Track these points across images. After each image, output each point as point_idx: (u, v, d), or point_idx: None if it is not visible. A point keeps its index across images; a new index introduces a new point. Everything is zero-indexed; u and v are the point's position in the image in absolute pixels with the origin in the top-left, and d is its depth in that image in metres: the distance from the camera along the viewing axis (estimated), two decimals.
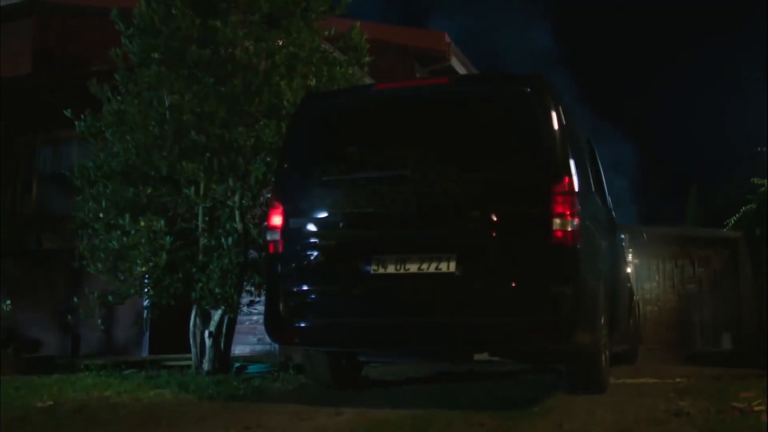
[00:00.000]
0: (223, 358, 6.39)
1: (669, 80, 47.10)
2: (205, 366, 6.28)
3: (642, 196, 35.51)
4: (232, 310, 6.23)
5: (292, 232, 4.90)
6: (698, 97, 47.13)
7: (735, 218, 12.61)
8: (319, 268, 4.83)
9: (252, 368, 6.52)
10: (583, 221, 4.45)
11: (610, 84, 47.14)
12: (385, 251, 4.64)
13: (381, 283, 4.63)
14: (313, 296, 4.86)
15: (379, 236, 4.71)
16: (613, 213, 6.91)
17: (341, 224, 4.88)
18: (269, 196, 6.10)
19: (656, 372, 6.33)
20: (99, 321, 6.38)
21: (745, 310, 15.61)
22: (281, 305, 4.84)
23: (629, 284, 7.93)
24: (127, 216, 5.93)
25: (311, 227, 4.90)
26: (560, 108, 4.66)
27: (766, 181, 11.63)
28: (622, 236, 8.30)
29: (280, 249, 4.91)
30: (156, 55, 5.99)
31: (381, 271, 4.61)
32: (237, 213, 6.11)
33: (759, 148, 11.31)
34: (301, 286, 4.86)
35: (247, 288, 6.43)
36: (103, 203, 6.10)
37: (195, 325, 6.38)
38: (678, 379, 5.75)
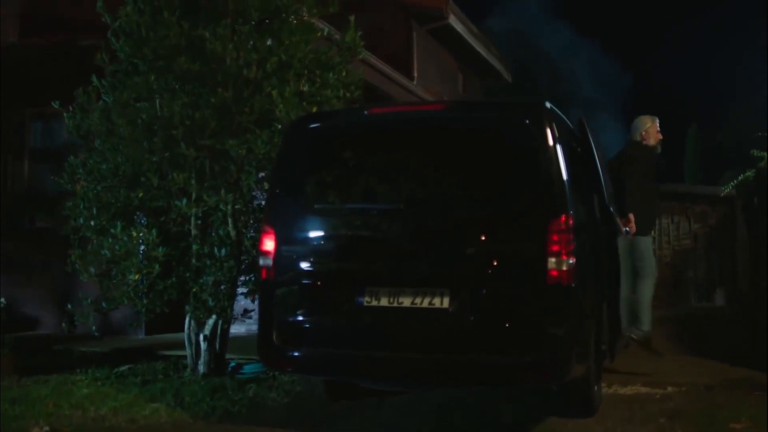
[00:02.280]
0: (218, 359, 6.42)
1: (668, 15, 46.16)
2: (201, 368, 6.31)
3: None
4: (226, 321, 6.24)
5: (284, 259, 4.85)
6: (696, 34, 46.29)
7: (733, 184, 12.56)
8: (311, 297, 4.80)
9: (247, 368, 6.54)
10: (579, 256, 4.38)
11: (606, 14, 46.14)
12: (379, 284, 4.59)
13: (374, 315, 4.59)
14: (305, 326, 4.82)
15: (373, 268, 4.66)
16: (607, 200, 6.78)
17: (334, 254, 4.83)
18: (265, 188, 6.01)
19: (648, 374, 6.35)
20: (93, 327, 6.36)
21: (740, 267, 15.68)
22: (274, 333, 4.81)
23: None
24: (119, 224, 5.86)
25: (304, 255, 4.84)
26: (559, 139, 4.53)
27: (765, 154, 11.53)
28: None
29: (272, 276, 4.87)
30: (144, 64, 5.82)
31: (374, 303, 4.58)
32: (230, 220, 6.03)
33: (759, 133, 11.20)
34: (294, 315, 4.83)
35: (241, 292, 6.41)
36: (94, 210, 6.02)
37: (190, 327, 6.39)
38: (669, 389, 5.81)
